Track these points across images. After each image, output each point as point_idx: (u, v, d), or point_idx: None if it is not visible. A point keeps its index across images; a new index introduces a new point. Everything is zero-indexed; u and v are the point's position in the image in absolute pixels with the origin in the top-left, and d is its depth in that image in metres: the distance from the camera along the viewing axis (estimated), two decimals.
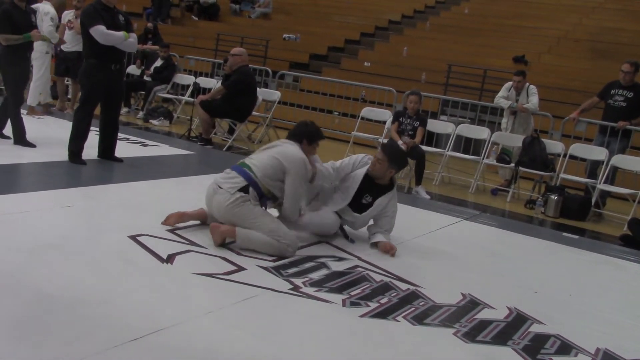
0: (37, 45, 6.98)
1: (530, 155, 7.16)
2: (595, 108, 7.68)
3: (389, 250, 4.20)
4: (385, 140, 7.46)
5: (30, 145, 6.03)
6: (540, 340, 3.13)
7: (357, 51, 13.20)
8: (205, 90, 9.46)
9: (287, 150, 4.03)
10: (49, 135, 6.52)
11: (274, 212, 4.18)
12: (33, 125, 7.65)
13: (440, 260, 4.32)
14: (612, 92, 7.19)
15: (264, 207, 3.97)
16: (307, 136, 4.16)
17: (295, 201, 4.03)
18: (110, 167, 5.90)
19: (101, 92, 5.80)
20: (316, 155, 4.30)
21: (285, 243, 3.82)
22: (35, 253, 3.34)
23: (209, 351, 2.56)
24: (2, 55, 5.96)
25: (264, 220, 3.85)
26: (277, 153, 4.00)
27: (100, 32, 5.56)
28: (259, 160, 3.99)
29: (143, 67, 10.57)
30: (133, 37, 5.82)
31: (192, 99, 9.34)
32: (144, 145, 7.27)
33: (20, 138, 6.08)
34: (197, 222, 4.20)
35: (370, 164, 4.38)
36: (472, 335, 3.08)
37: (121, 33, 5.66)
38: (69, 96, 9.49)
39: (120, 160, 6.04)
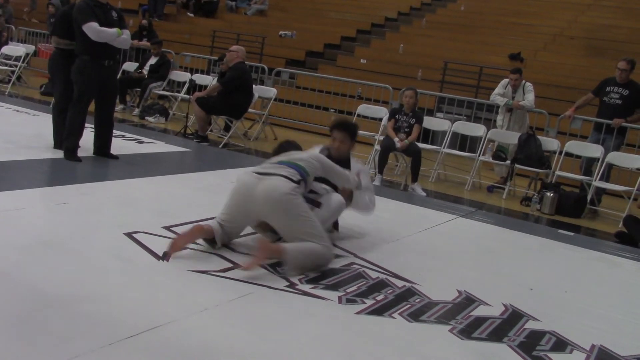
0: None
1: (526, 153, 7.17)
2: (590, 105, 7.70)
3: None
4: (382, 138, 7.45)
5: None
6: (535, 337, 3.14)
7: (353, 48, 13.19)
8: (201, 87, 9.44)
9: (310, 152, 4.05)
10: (44, 131, 6.49)
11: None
12: (28, 122, 7.66)
13: (436, 257, 4.33)
14: (607, 89, 7.21)
15: None
16: (355, 134, 4.33)
17: (344, 174, 4.08)
18: (105, 164, 5.89)
19: (95, 89, 5.78)
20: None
21: (327, 245, 3.63)
22: (31, 250, 3.33)
23: (205, 348, 2.56)
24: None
25: (312, 216, 3.61)
26: (315, 157, 3.96)
27: (93, 29, 5.54)
28: (305, 162, 3.83)
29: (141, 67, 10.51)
30: (126, 34, 5.81)
31: (188, 96, 9.34)
32: (140, 142, 7.26)
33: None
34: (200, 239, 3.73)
35: (333, 149, 4.35)
36: (467, 332, 3.09)
37: (114, 30, 5.65)
38: None
39: (115, 157, 6.03)
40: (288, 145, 4.23)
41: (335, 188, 4.20)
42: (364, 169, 4.48)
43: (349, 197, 4.18)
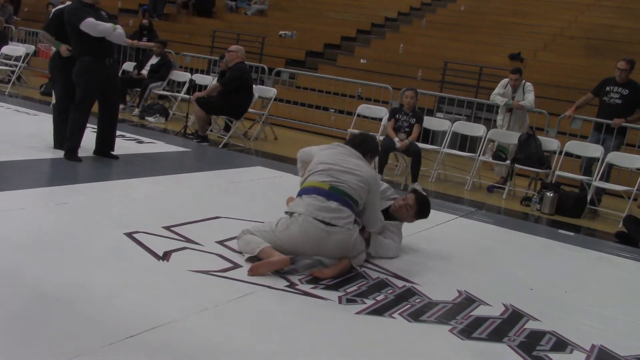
0: None
1: (525, 153, 7.17)
2: (589, 105, 7.70)
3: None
4: (382, 138, 7.45)
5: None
6: (535, 337, 3.14)
7: (353, 48, 13.19)
8: (201, 87, 9.44)
9: (367, 170, 3.83)
10: (44, 131, 6.49)
11: None
12: (28, 122, 7.66)
13: (436, 257, 4.32)
14: (607, 89, 7.21)
15: None
16: (372, 152, 4.07)
17: (379, 218, 3.97)
18: (105, 164, 5.89)
19: (98, 90, 5.79)
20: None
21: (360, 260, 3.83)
22: (31, 250, 3.33)
23: (205, 348, 2.56)
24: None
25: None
26: (358, 175, 3.74)
27: (90, 23, 5.59)
28: (355, 191, 3.68)
29: (140, 67, 10.49)
30: (120, 29, 5.87)
31: (187, 96, 9.33)
32: (140, 142, 7.26)
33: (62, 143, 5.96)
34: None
35: (397, 205, 4.22)
36: (468, 332, 3.09)
37: (109, 24, 5.73)
38: None
39: (116, 157, 6.03)
40: (365, 142, 4.02)
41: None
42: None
43: (367, 240, 4.00)
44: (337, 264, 3.65)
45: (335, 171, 3.71)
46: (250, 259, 3.56)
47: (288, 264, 3.54)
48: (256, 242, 3.60)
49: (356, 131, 4.08)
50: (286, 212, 3.71)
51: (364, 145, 3.99)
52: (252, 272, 3.40)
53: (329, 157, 3.84)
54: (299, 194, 3.76)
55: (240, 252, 3.72)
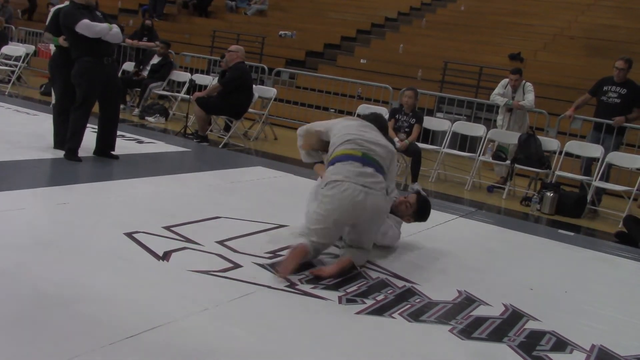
0: None
1: (525, 153, 7.17)
2: (587, 105, 7.70)
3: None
4: None
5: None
6: (535, 337, 3.14)
7: (353, 48, 13.19)
8: (201, 87, 9.44)
9: (386, 141, 3.98)
10: (44, 131, 6.49)
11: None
12: (28, 122, 7.66)
13: (436, 257, 4.32)
14: (605, 88, 7.23)
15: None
16: (385, 129, 4.18)
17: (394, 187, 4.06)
18: (105, 164, 5.89)
19: (98, 90, 5.79)
20: None
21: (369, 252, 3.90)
22: (31, 250, 3.33)
23: (204, 348, 2.56)
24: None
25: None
26: (383, 145, 3.89)
27: (86, 24, 5.60)
28: (383, 159, 3.80)
29: (139, 67, 10.48)
30: (116, 28, 5.87)
31: (188, 96, 9.33)
32: (140, 142, 7.26)
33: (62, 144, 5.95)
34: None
35: (397, 201, 4.28)
36: (468, 332, 3.09)
37: (105, 24, 5.73)
38: None
39: (116, 157, 6.03)
40: (374, 120, 4.12)
41: None
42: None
43: None
44: (338, 262, 3.66)
45: (363, 140, 3.81)
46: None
47: (306, 251, 3.54)
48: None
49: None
50: (325, 182, 3.71)
51: (377, 122, 4.12)
52: (282, 274, 3.41)
53: (351, 128, 3.93)
54: (332, 162, 3.78)
55: (239, 252, 3.72)
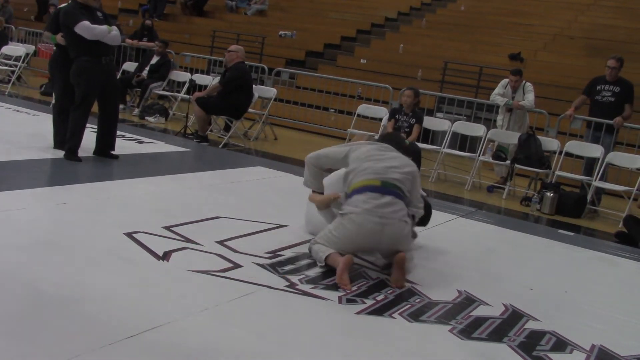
0: None
1: (525, 153, 7.17)
2: (586, 105, 7.73)
3: None
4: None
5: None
6: (535, 337, 3.14)
7: (353, 48, 13.18)
8: (201, 87, 9.44)
9: (406, 160, 3.93)
10: (44, 131, 6.49)
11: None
12: (28, 122, 7.65)
13: (436, 257, 4.32)
14: (598, 87, 7.30)
15: None
16: (402, 147, 4.09)
17: (421, 204, 4.01)
18: (105, 164, 5.89)
19: (97, 89, 5.79)
20: None
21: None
22: (31, 250, 3.33)
23: (204, 348, 2.56)
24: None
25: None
26: (409, 170, 3.85)
27: (85, 26, 5.59)
28: (402, 182, 3.76)
29: (139, 71, 10.44)
30: (116, 30, 5.87)
31: (187, 96, 9.33)
32: (140, 142, 7.26)
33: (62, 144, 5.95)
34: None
35: None
36: (467, 332, 3.09)
37: (104, 26, 5.72)
38: None
39: (116, 157, 6.03)
40: (391, 141, 4.09)
41: None
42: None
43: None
44: (400, 267, 3.62)
45: (380, 167, 3.76)
46: (323, 267, 3.65)
47: (352, 260, 3.58)
48: (322, 250, 3.68)
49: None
50: (340, 214, 3.73)
51: (393, 141, 4.07)
52: (343, 286, 3.42)
53: (367, 154, 3.86)
54: (350, 195, 3.76)
55: (239, 252, 3.72)
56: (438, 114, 9.50)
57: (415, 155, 6.98)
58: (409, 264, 3.74)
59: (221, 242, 3.87)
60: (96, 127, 6.05)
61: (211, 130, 8.45)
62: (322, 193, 4.17)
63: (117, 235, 3.75)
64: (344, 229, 3.65)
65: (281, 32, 13.86)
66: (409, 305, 3.32)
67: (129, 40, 11.33)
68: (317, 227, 4.22)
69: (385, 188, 3.68)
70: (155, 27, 12.20)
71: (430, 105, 9.68)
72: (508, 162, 7.45)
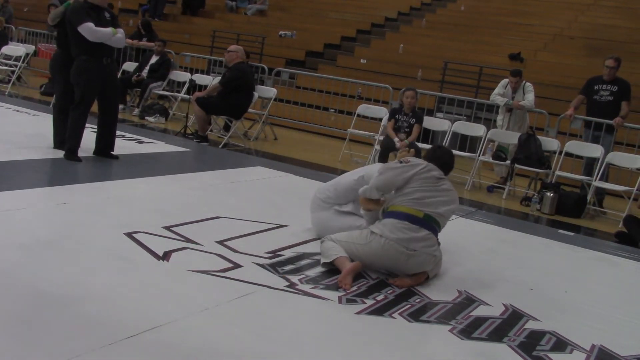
0: None
1: (525, 153, 7.17)
2: (584, 105, 7.73)
3: None
4: (381, 138, 7.46)
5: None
6: (535, 337, 3.14)
7: (353, 48, 13.18)
8: (201, 87, 9.44)
9: (454, 194, 3.88)
10: (44, 131, 6.49)
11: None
12: (28, 122, 7.66)
13: None
14: (596, 87, 7.31)
15: None
16: (448, 169, 3.99)
17: None
18: (105, 164, 5.89)
19: (96, 89, 5.79)
20: None
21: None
22: (31, 250, 3.33)
23: (204, 348, 2.56)
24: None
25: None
26: (454, 207, 3.86)
27: (88, 28, 5.57)
28: (444, 217, 3.76)
29: (139, 72, 10.43)
30: (121, 33, 5.84)
31: (187, 96, 9.33)
32: (140, 142, 7.26)
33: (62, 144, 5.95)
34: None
35: None
36: (468, 332, 3.09)
37: (109, 29, 5.69)
38: None
39: (116, 157, 6.03)
40: (443, 157, 3.97)
41: None
42: None
43: None
44: (419, 276, 3.66)
45: (432, 201, 3.69)
46: (325, 265, 3.66)
47: (361, 267, 3.62)
48: (334, 250, 3.68)
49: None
50: (371, 230, 3.69)
51: (447, 164, 3.96)
52: (344, 286, 3.43)
53: (425, 183, 3.73)
54: (387, 215, 3.72)
55: (239, 252, 3.72)
56: (438, 114, 9.50)
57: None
58: (422, 279, 3.69)
59: (221, 242, 3.87)
60: (96, 127, 6.05)
61: (211, 130, 8.45)
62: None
63: (117, 235, 3.75)
64: (369, 248, 3.63)
65: (281, 32, 13.87)
66: (409, 305, 3.32)
67: (128, 40, 11.30)
68: (325, 232, 4.14)
69: (426, 222, 3.65)
70: (156, 27, 12.20)
71: (430, 105, 9.68)
72: (508, 162, 7.44)
